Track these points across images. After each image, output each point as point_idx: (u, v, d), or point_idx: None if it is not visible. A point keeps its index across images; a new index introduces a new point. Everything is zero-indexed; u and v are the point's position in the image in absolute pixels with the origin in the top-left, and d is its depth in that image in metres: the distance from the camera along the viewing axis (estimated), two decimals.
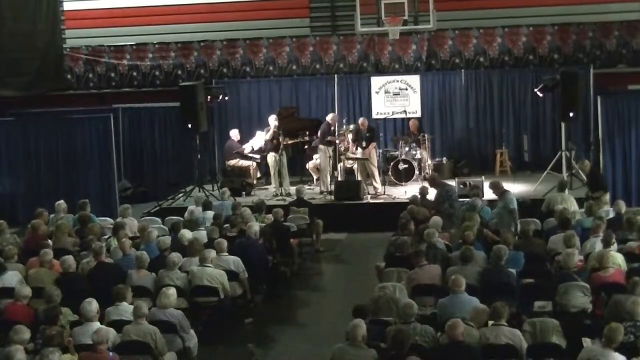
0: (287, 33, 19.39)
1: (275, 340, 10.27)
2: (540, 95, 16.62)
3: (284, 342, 10.19)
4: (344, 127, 16.94)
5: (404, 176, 16.48)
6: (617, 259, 9.48)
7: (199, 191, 15.79)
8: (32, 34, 18.58)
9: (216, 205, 13.61)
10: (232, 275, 10.28)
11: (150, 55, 19.60)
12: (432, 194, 13.22)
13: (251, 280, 10.72)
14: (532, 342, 7.82)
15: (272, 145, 16.41)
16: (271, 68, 19.23)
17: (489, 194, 13.55)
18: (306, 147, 17.34)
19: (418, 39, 18.66)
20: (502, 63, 18.59)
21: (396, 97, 18.31)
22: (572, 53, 18.30)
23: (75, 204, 13.20)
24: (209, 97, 16.85)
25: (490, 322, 7.83)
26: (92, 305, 8.21)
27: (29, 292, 9.02)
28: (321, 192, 16.15)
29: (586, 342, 7.66)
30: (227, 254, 10.56)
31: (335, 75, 18.34)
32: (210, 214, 12.83)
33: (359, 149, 16.20)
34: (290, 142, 16.97)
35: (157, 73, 19.60)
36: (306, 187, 15.76)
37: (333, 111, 17.11)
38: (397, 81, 18.36)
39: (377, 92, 18.40)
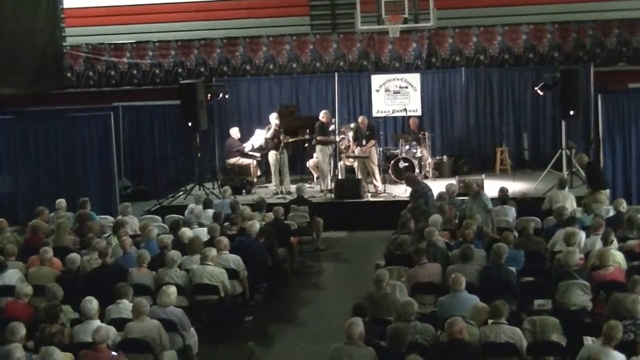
0: (287, 31, 19.39)
1: (275, 338, 10.28)
2: (541, 93, 16.61)
3: (284, 341, 10.19)
4: (344, 125, 16.94)
5: (404, 174, 16.46)
6: (618, 258, 9.48)
7: (199, 189, 15.80)
8: (32, 32, 18.56)
9: (216, 204, 13.62)
10: (232, 273, 10.28)
11: (151, 54, 19.60)
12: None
13: (251, 278, 10.72)
14: (532, 340, 7.83)
15: (274, 143, 16.40)
16: (271, 66, 19.23)
17: (489, 192, 13.56)
18: (306, 145, 17.34)
19: (418, 37, 18.66)
20: (502, 61, 18.59)
21: (396, 95, 18.31)
22: (572, 51, 18.31)
23: (76, 202, 13.22)
24: (209, 95, 16.87)
25: (490, 321, 7.83)
26: (92, 303, 8.20)
27: (30, 290, 9.03)
28: (321, 191, 16.16)
29: (587, 340, 7.66)
30: (227, 252, 10.56)
31: (336, 74, 18.33)
32: (210, 212, 12.84)
33: (359, 147, 16.21)
34: (290, 140, 16.97)
35: (157, 71, 19.60)
36: (306, 185, 15.76)
37: (333, 109, 17.11)
38: (398, 79, 18.37)
39: (377, 91, 18.41)
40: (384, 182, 16.20)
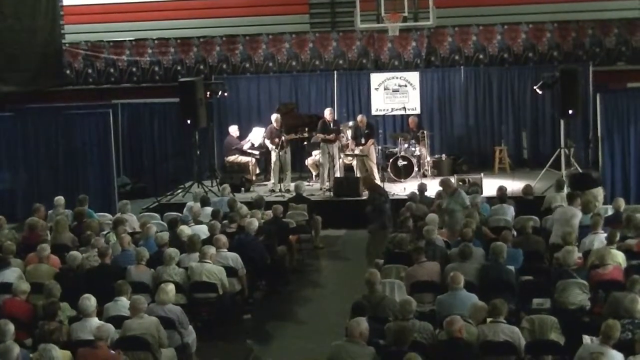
0: (287, 29, 19.38)
1: (273, 336, 10.28)
2: (540, 92, 16.61)
3: (283, 338, 10.19)
4: (343, 123, 16.94)
5: (403, 173, 16.49)
6: (618, 257, 9.48)
7: (198, 187, 15.80)
8: (31, 30, 18.53)
9: (215, 202, 13.61)
10: (231, 271, 10.28)
11: (150, 51, 19.59)
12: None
13: (250, 276, 10.72)
14: (530, 339, 7.83)
15: (275, 143, 16.38)
16: (271, 64, 19.22)
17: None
18: (305, 143, 17.34)
19: (418, 36, 18.66)
20: (501, 60, 18.59)
21: (395, 93, 18.30)
22: (572, 50, 18.30)
23: (75, 199, 13.21)
24: (208, 93, 16.84)
25: (489, 319, 7.84)
26: (90, 300, 8.19)
27: (28, 287, 9.02)
28: (320, 189, 16.16)
29: (586, 339, 7.67)
30: (226, 250, 10.56)
31: (335, 72, 18.33)
32: (208, 209, 12.83)
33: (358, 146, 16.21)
34: (289, 138, 16.95)
35: (156, 69, 19.59)
36: (305, 183, 15.76)
37: (332, 107, 17.12)
38: (397, 78, 18.35)
39: (376, 89, 18.40)
40: (382, 180, 16.18)
